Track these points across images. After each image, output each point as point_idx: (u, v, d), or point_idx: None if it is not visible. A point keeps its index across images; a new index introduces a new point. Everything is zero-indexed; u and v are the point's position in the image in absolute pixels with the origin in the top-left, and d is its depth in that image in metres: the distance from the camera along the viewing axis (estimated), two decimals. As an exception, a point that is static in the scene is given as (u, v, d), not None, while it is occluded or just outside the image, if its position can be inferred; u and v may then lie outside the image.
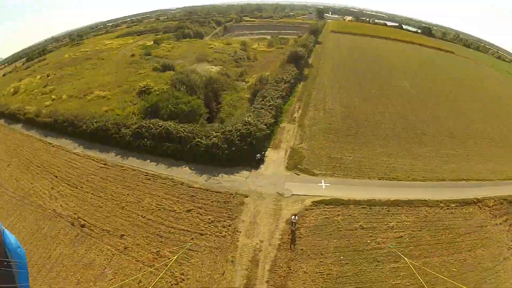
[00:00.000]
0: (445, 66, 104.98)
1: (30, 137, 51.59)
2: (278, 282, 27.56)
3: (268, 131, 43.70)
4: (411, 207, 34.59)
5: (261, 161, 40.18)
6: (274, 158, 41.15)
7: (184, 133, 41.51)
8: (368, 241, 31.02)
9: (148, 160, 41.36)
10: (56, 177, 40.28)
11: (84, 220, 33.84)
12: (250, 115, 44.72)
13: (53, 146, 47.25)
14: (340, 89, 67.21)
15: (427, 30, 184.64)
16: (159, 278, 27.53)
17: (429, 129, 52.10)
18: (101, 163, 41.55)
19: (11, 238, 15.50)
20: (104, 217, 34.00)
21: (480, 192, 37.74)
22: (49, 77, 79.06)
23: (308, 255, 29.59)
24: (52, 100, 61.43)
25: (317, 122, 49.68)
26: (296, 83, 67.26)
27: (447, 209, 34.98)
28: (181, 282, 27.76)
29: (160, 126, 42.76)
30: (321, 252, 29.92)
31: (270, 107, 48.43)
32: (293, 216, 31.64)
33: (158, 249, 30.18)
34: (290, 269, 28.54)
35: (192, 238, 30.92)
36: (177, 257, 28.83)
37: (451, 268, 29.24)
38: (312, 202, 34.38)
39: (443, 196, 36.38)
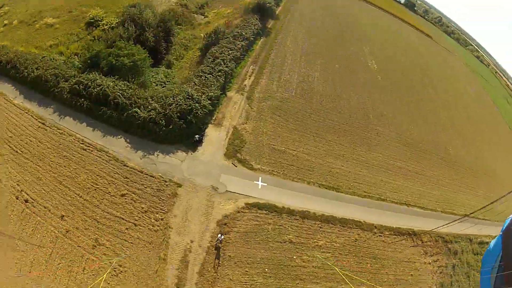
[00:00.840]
0: (422, 54, 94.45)
1: None
2: (205, 286, 28.75)
3: (211, 108, 40.11)
4: (344, 227, 35.26)
5: (199, 142, 37.39)
6: (214, 139, 38.78)
7: (122, 98, 37.22)
8: (294, 257, 31.89)
9: (85, 124, 37.82)
10: None
11: (26, 194, 32.67)
12: (195, 84, 40.95)
13: None
14: (302, 57, 60.30)
15: (411, 5, 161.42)
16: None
17: (385, 129, 49.95)
18: (39, 121, 37.96)
19: None
20: (44, 192, 32.88)
21: (418, 222, 38.90)
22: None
23: (235, 263, 30.43)
24: (4, 26, 54.94)
25: (268, 97, 46.00)
26: (255, 39, 58.88)
27: (380, 235, 36.20)
28: (120, 273, 28.50)
29: (98, 86, 37.97)
30: (247, 261, 30.71)
31: (220, 73, 43.84)
32: (219, 235, 31.21)
33: (96, 235, 30.47)
34: (217, 274, 29.46)
35: (127, 228, 30.68)
36: (108, 272, 28.22)
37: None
38: (246, 204, 33.93)
39: (379, 219, 37.14)
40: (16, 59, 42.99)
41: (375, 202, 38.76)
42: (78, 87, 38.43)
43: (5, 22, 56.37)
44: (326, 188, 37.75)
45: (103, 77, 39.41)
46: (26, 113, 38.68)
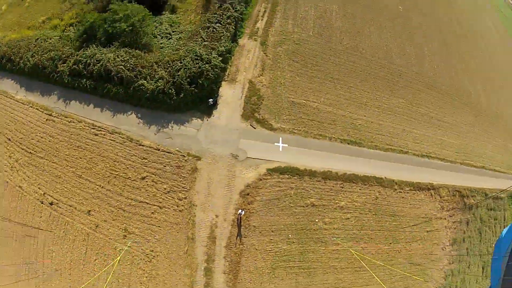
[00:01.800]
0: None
1: None
2: (234, 259, 29.34)
3: (223, 66, 35.26)
4: (365, 185, 33.58)
5: (214, 105, 34.06)
6: (229, 98, 35.21)
7: (125, 72, 33.27)
8: (316, 220, 31.30)
9: (92, 105, 35.17)
10: (9, 139, 35.92)
11: (49, 195, 32.76)
12: (202, 38, 35.45)
13: None
14: (318, -14, 49.87)
15: None
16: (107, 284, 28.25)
17: (407, 70, 43.11)
18: (45, 113, 35.76)
19: None
20: (66, 189, 32.65)
21: (438, 176, 36.34)
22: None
23: (260, 232, 30.25)
24: None
25: (284, 40, 39.71)
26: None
27: (400, 192, 34.47)
28: (153, 258, 29.35)
29: (98, 62, 34.06)
30: (271, 229, 30.46)
31: (229, 21, 37.48)
32: (240, 210, 30.32)
33: (124, 224, 30.60)
34: (244, 246, 29.72)
35: (153, 212, 30.55)
36: (119, 258, 29.02)
37: (384, 257, 30.33)
38: (267, 169, 32.10)
39: (400, 175, 34.91)
40: (10, 51, 39.11)
41: (397, 156, 35.89)
42: (77, 67, 34.87)
43: None
44: (348, 144, 34.91)
45: (102, 49, 35.14)
46: (31, 107, 36.41)
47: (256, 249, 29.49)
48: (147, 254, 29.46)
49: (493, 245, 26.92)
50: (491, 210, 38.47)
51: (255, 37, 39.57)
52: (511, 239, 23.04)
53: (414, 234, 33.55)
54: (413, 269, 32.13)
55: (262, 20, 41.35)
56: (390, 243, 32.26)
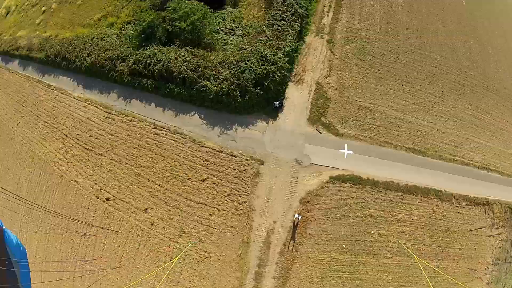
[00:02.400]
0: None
1: (29, 78, 44.40)
2: (285, 265, 28.77)
3: (289, 67, 32.85)
4: (424, 197, 31.68)
5: (280, 107, 32.37)
6: (296, 100, 33.25)
7: (188, 72, 31.60)
8: (372, 231, 30.17)
9: (153, 104, 34.11)
10: (66, 135, 35.53)
11: (106, 191, 32.68)
12: (267, 37, 32.74)
13: (53, 89, 39.79)
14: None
15: None
16: (162, 281, 28.15)
17: (472, 71, 39.37)
18: (104, 111, 35.16)
19: (12, 237, 14.77)
20: (123, 186, 32.27)
21: (493, 190, 33.75)
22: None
23: (315, 240, 29.43)
24: (43, 13, 50.63)
25: (351, 37, 36.60)
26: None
27: (456, 206, 32.36)
28: (205, 259, 29.02)
29: (159, 62, 32.43)
30: (327, 238, 29.60)
31: (294, 17, 34.25)
32: (296, 215, 29.31)
33: (180, 224, 30.22)
34: (297, 253, 29.01)
35: (211, 214, 29.95)
36: (180, 256, 28.87)
37: (430, 274, 29.32)
38: (330, 177, 30.60)
39: (459, 188, 32.72)
40: (64, 49, 37.75)
41: (458, 167, 33.58)
42: (137, 67, 33.62)
43: (43, 8, 50.87)
44: (413, 152, 32.77)
45: (163, 48, 33.53)
46: (89, 104, 35.70)
47: (309, 257, 28.72)
48: (200, 255, 29.24)
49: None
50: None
51: (322, 34, 36.66)
52: None
53: (463, 251, 31.99)
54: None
55: (327, 16, 38.08)
56: (439, 260, 30.83)
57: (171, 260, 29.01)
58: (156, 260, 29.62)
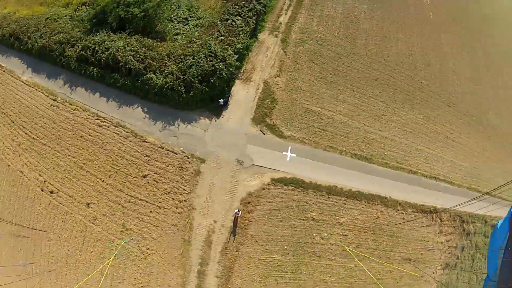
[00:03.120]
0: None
1: None
2: (227, 264, 27.80)
3: (238, 65, 31.37)
4: (369, 203, 30.56)
5: (225, 105, 30.75)
6: (241, 99, 31.87)
7: (134, 63, 29.84)
8: (314, 234, 29.11)
9: (98, 94, 32.17)
10: (13, 122, 33.10)
11: (50, 184, 30.37)
12: (219, 32, 31.08)
13: (4, 70, 36.38)
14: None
15: None
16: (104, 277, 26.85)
17: (429, 83, 37.88)
18: (50, 98, 32.91)
19: None
20: (66, 179, 30.40)
21: (442, 199, 32.50)
22: None
23: (256, 241, 28.45)
24: None
25: (307, 39, 35.22)
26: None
27: (402, 213, 31.20)
28: (148, 256, 27.80)
29: (107, 50, 30.60)
30: (268, 239, 28.57)
31: (250, 14, 32.68)
32: (236, 210, 28.25)
33: (122, 220, 28.88)
34: (239, 253, 28.06)
35: (151, 212, 28.60)
36: (116, 254, 27.69)
37: (375, 276, 28.65)
38: (272, 179, 29.54)
39: (405, 196, 31.56)
40: (18, 29, 35.25)
41: (406, 176, 32.40)
42: (85, 53, 31.34)
43: None
44: (358, 159, 31.55)
45: (113, 35, 31.28)
46: (36, 89, 33.52)
47: (251, 257, 27.68)
48: (142, 252, 27.83)
49: (483, 272, 25.40)
50: (487, 237, 35.88)
51: (276, 33, 35.20)
52: (505, 233, 21.66)
53: (409, 255, 30.90)
54: None
55: (285, 14, 36.65)
56: (383, 263, 29.92)
57: (124, 259, 27.65)
58: (100, 256, 27.96)
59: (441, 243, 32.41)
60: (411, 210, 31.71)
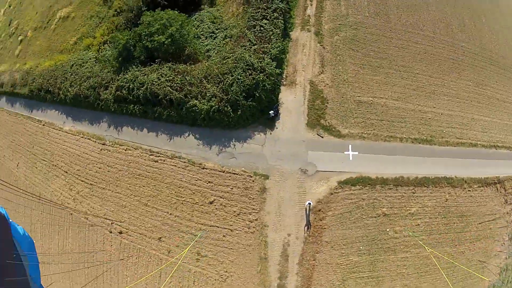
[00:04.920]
0: None
1: (18, 115, 39.23)
2: (306, 274, 25.90)
3: (279, 71, 27.75)
4: (436, 187, 27.74)
5: (276, 116, 27.63)
6: (291, 105, 28.44)
7: (174, 93, 26.75)
8: (387, 229, 26.68)
9: (145, 130, 29.63)
10: (66, 172, 31.46)
11: (117, 225, 28.79)
12: (250, 42, 27.24)
13: (43, 124, 35.10)
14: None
15: None
16: (177, 266, 25.57)
17: (469, 44, 33.33)
18: (98, 143, 30.88)
19: (19, 229, 13.87)
20: (133, 218, 28.61)
21: (504, 167, 29.55)
22: (11, 7, 51.07)
23: (332, 247, 26.26)
24: (21, 43, 44.10)
25: (340, 26, 30.71)
26: None
27: (469, 190, 28.49)
28: (227, 278, 26.24)
29: (142, 85, 27.49)
30: (343, 243, 26.35)
31: (276, 14, 28.43)
32: (308, 202, 26.05)
33: (197, 248, 26.78)
34: (316, 261, 26.01)
35: (224, 235, 26.59)
36: (191, 246, 26.29)
37: (450, 258, 26.59)
38: (338, 182, 26.73)
39: (469, 171, 28.72)
40: (46, 82, 32.61)
41: (466, 150, 29.29)
42: (121, 93, 28.68)
43: (20, 38, 44.29)
44: (419, 143, 28.36)
45: (143, 68, 28.31)
46: (82, 137, 31.32)
47: (328, 263, 25.62)
48: (221, 275, 25.99)
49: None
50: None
51: (308, 27, 30.93)
52: None
53: (479, 233, 28.41)
54: (473, 269, 27.03)
55: (311, 5, 32.03)
56: (456, 245, 27.48)
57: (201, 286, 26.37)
58: (179, 285, 26.33)
59: (507, 213, 29.62)
60: (477, 185, 28.84)
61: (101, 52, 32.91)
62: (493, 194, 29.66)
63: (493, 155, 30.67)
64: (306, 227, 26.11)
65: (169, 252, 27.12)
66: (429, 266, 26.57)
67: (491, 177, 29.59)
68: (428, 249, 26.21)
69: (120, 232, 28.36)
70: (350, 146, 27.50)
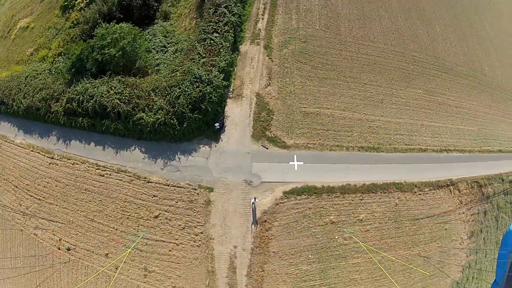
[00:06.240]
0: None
1: None
2: (255, 286, 24.97)
3: (226, 84, 27.61)
4: (385, 193, 27.41)
5: (221, 128, 27.16)
6: (237, 117, 28.23)
7: (122, 106, 26.50)
8: (336, 236, 26.05)
9: (93, 143, 29.05)
10: (16, 187, 30.26)
11: (65, 241, 27.34)
12: (199, 55, 27.19)
13: None
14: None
15: None
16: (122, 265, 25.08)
17: (421, 54, 33.65)
18: (47, 157, 30.07)
19: None
20: (80, 234, 27.27)
21: (456, 170, 29.50)
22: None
23: (280, 257, 25.43)
24: None
25: (289, 39, 30.91)
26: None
27: (419, 194, 28.19)
28: None
29: (91, 98, 27.23)
30: (291, 253, 25.56)
31: (227, 27, 28.63)
32: (253, 200, 25.38)
33: (144, 264, 25.89)
34: (264, 272, 25.08)
35: (170, 250, 25.56)
36: (133, 247, 25.43)
37: (403, 262, 26.23)
38: (283, 192, 26.19)
39: (419, 175, 28.53)
40: (1, 93, 32.44)
41: (416, 156, 29.12)
42: (71, 105, 28.17)
43: None
44: (366, 151, 28.12)
45: (94, 81, 27.94)
46: (32, 150, 30.58)
47: (277, 274, 24.74)
48: None
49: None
50: (507, 195, 32.27)
51: (258, 40, 31.05)
52: None
53: (434, 234, 27.96)
54: (431, 269, 26.77)
55: (263, 19, 32.26)
56: (409, 248, 26.94)
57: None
58: None
59: (463, 213, 29.32)
60: (428, 188, 28.50)
61: (55, 64, 32.82)
62: (447, 196, 29.37)
63: (445, 159, 30.44)
64: (253, 225, 25.31)
65: (116, 268, 25.94)
66: (383, 270, 25.73)
67: (443, 180, 29.34)
68: (370, 254, 25.43)
69: (68, 249, 27.28)
70: (295, 156, 27.10)
